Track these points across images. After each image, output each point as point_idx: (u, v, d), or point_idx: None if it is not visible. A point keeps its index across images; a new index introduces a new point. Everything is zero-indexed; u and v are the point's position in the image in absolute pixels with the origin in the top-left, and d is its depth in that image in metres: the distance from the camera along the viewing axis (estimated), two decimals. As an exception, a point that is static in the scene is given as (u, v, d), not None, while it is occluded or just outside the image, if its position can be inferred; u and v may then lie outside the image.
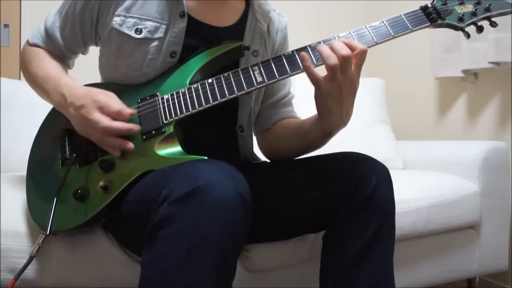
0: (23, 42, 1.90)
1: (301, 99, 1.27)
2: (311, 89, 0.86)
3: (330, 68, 0.80)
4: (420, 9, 0.90)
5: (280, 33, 1.09)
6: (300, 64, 0.86)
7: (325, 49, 0.82)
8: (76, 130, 0.89)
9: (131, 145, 0.85)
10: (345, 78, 0.81)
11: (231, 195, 0.67)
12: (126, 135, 0.85)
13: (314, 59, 0.86)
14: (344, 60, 0.80)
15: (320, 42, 0.87)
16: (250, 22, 1.02)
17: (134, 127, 0.85)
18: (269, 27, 1.05)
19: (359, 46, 0.82)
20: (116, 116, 0.85)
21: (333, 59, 0.80)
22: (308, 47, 0.88)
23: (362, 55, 0.82)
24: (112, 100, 0.87)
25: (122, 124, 0.84)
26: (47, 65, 0.99)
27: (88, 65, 1.15)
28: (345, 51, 0.80)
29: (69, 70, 1.07)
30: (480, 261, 1.46)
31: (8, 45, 1.89)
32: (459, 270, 1.44)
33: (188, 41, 0.95)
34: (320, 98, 0.86)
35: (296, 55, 0.87)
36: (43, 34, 1.02)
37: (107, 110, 0.84)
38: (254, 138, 1.12)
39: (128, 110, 0.86)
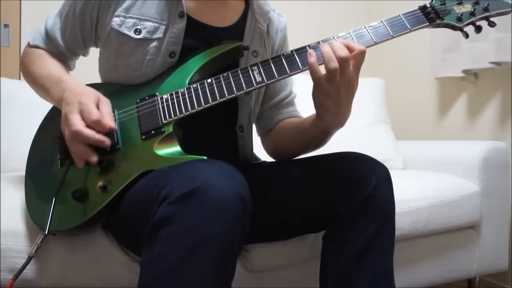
0: (23, 42, 1.91)
1: (302, 99, 1.27)
2: (311, 89, 0.86)
3: (330, 71, 0.81)
4: (419, 9, 0.90)
5: (280, 33, 1.09)
6: (300, 64, 0.86)
7: (326, 49, 0.82)
8: None
9: (94, 158, 0.82)
10: (342, 79, 0.82)
11: (230, 195, 0.67)
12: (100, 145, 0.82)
13: None
14: (343, 62, 0.80)
15: (319, 42, 0.87)
16: (249, 22, 1.02)
17: (106, 140, 0.82)
18: (268, 27, 1.05)
19: (358, 47, 0.83)
20: (92, 124, 0.82)
21: (334, 63, 0.81)
22: (307, 47, 0.88)
23: (360, 55, 0.83)
24: (101, 107, 0.84)
25: (94, 133, 0.81)
26: (48, 64, 0.99)
27: (88, 65, 1.15)
28: (344, 52, 0.80)
29: (70, 72, 1.07)
30: (480, 261, 1.46)
31: (8, 45, 1.89)
32: (459, 270, 1.44)
33: (187, 41, 0.95)
34: (317, 96, 0.86)
35: (296, 55, 0.87)
36: (44, 36, 1.02)
37: (86, 116, 0.82)
38: (254, 138, 1.12)
39: (109, 123, 0.82)
